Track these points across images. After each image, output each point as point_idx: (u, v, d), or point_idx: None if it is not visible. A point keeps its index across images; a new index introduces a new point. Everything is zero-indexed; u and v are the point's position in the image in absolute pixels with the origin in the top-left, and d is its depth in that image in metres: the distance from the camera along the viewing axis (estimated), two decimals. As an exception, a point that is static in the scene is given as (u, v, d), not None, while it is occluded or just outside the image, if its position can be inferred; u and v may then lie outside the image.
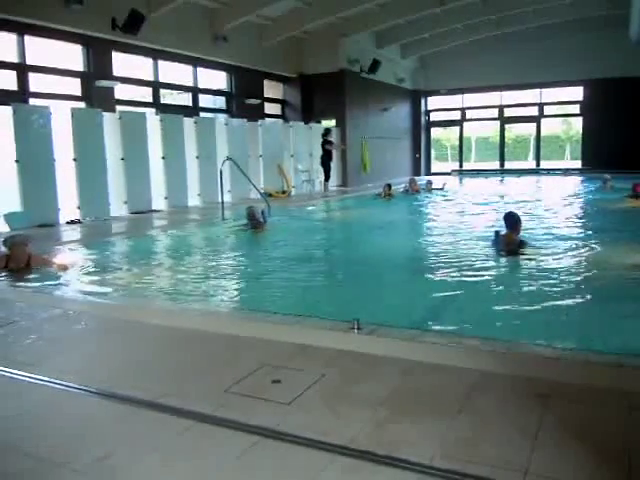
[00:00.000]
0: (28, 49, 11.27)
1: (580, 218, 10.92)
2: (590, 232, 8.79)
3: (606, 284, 5.48)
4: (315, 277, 6.18)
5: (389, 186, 14.90)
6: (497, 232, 6.87)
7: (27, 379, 3.06)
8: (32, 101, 11.21)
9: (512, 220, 6.78)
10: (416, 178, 17.75)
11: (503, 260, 6.61)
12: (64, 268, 6.38)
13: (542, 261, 6.40)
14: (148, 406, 2.69)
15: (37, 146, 9.99)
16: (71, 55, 12.16)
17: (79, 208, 10.72)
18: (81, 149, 10.70)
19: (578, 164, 23.10)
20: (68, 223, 10.28)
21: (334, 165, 17.30)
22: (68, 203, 10.55)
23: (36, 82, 11.53)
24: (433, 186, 16.68)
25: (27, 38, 11.25)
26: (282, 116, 19.18)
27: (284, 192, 15.65)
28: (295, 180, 16.62)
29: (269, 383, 2.90)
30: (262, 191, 13.51)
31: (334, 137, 17.45)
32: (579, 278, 5.78)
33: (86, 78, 12.29)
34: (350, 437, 2.34)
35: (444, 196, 15.65)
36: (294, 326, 3.94)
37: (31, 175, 9.85)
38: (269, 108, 18.49)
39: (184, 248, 8.48)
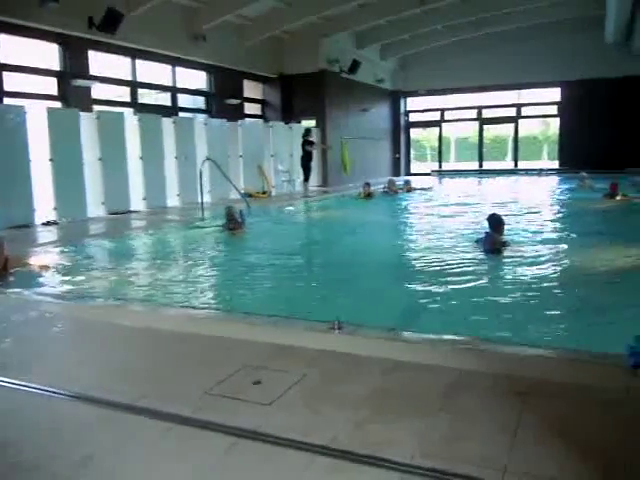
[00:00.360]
0: (2, 47, 11.06)
1: (560, 219, 11.00)
2: (570, 232, 8.94)
3: (584, 284, 5.55)
4: (293, 279, 6.16)
5: (368, 185, 14.86)
6: (487, 233, 7.02)
7: (2, 383, 3.00)
8: (7, 100, 11.00)
9: (495, 221, 7.02)
10: (394, 179, 17.80)
11: (487, 259, 6.69)
12: (45, 268, 6.31)
13: (525, 261, 6.49)
14: (127, 409, 2.66)
15: (12, 146, 9.80)
16: (47, 54, 11.97)
17: (55, 209, 10.57)
18: (57, 149, 10.54)
19: (556, 164, 23.42)
20: (44, 224, 10.11)
21: (315, 165, 17.27)
22: (44, 204, 10.40)
23: (11, 81, 11.33)
24: (414, 185, 16.74)
25: (1, 36, 11.04)
26: (262, 116, 19.12)
27: (264, 192, 15.60)
28: (275, 180, 16.58)
29: (250, 384, 2.88)
30: (242, 191, 13.45)
31: (315, 137, 17.43)
32: (559, 277, 5.86)
33: (62, 77, 12.11)
34: (331, 437, 2.33)
35: (424, 196, 15.72)
36: (274, 327, 3.92)
37: (6, 175, 9.64)
38: (249, 108, 18.42)
39: (161, 249, 8.41)
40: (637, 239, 7.76)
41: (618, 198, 12.02)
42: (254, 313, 4.34)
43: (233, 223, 8.98)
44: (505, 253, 6.75)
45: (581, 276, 5.84)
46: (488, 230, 7.02)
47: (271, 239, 9.18)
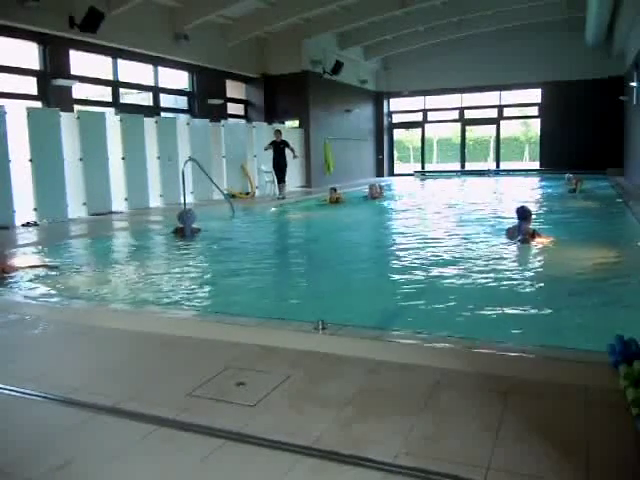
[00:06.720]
0: (-19, 46, 10.93)
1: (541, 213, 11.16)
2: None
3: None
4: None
5: (334, 190, 14.15)
6: (519, 222, 7.48)
7: (-19, 387, 2.95)
8: (-14, 100, 10.87)
9: (524, 212, 7.48)
10: (377, 183, 17.03)
11: (507, 250, 7.13)
12: (30, 269, 6.25)
13: (552, 251, 6.90)
14: (109, 412, 2.63)
15: (-9, 146, 9.69)
16: (27, 53, 11.81)
17: (35, 210, 10.44)
18: (38, 149, 10.42)
19: (537, 165, 23.69)
20: (24, 225, 10.00)
21: (298, 165, 17.11)
22: (24, 205, 10.26)
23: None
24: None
25: (-20, 35, 10.91)
26: (245, 117, 19.08)
27: (247, 193, 15.55)
28: (259, 181, 16.52)
29: (234, 386, 2.87)
30: (225, 192, 13.38)
31: (280, 138, 16.11)
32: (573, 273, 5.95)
33: (42, 77, 11.97)
34: (316, 437, 2.33)
35: (396, 200, 15.44)
36: (258, 328, 3.91)
37: (-15, 176, 9.54)
38: (232, 108, 18.36)
39: (133, 251, 8.23)
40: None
41: (577, 191, 14.43)
42: (238, 314, 4.32)
43: (180, 228, 8.74)
44: (534, 243, 7.20)
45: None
46: (517, 221, 7.43)
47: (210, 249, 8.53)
